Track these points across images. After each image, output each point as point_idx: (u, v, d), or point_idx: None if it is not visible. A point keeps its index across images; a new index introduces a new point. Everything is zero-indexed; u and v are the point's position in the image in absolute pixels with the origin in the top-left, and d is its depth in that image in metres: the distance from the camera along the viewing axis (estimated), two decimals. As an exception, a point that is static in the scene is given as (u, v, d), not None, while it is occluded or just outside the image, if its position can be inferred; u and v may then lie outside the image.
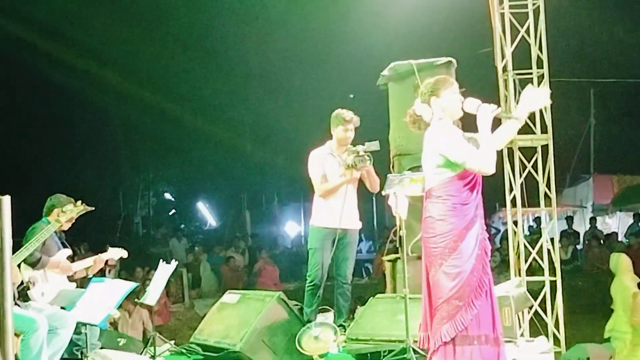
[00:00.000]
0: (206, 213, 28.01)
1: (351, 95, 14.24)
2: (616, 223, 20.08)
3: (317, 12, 14.84)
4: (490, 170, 4.59)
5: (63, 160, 19.37)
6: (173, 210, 27.64)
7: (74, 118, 19.51)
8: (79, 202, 6.02)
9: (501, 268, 13.69)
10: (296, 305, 6.80)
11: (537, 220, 16.13)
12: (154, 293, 6.67)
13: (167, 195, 28.24)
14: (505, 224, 14.26)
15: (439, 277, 4.59)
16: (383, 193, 6.33)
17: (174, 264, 6.74)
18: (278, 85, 18.54)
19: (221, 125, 20.71)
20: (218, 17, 16.00)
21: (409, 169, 7.34)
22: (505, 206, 8.58)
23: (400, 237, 6.13)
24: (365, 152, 6.72)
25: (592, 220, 18.86)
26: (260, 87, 18.33)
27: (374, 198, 17.26)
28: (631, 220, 19.84)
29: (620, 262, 8.33)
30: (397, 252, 7.07)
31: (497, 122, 4.77)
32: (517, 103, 8.06)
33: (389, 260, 7.59)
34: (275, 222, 25.75)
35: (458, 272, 4.53)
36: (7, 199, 2.54)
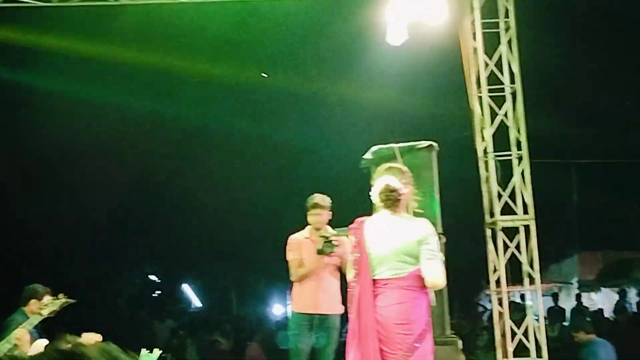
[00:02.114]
0: (191, 294, 27.79)
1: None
2: (602, 299, 20.10)
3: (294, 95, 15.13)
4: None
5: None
6: (158, 292, 27.40)
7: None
8: (61, 295, 5.99)
9: (489, 347, 13.60)
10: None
11: (523, 297, 16.12)
12: (137, 382, 6.56)
13: (152, 277, 28.04)
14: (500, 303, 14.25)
15: None
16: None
17: (156, 352, 6.65)
18: (263, 166, 18.66)
19: (206, 205, 20.77)
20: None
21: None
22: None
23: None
24: (333, 238, 6.78)
25: (578, 296, 18.89)
26: (246, 168, 18.44)
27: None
28: (616, 297, 19.90)
29: None
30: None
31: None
32: (498, 184, 8.25)
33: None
34: (262, 303, 25.60)
35: None
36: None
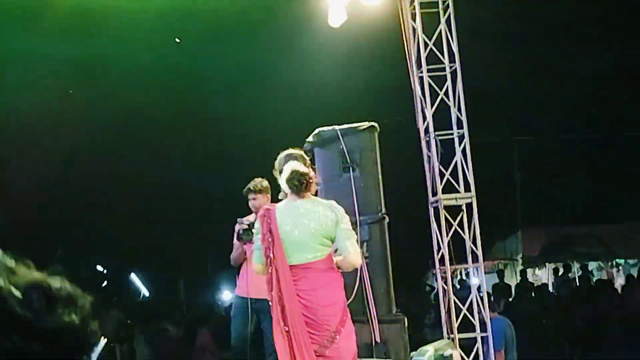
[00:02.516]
0: (139, 283, 27.54)
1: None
2: (546, 274, 20.49)
3: (238, 81, 15.05)
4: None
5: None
6: (105, 282, 27.10)
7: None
8: None
9: (436, 325, 13.79)
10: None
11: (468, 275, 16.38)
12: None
13: (99, 268, 27.70)
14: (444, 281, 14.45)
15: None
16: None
17: (102, 341, 6.61)
18: (208, 153, 18.56)
19: (149, 193, 20.60)
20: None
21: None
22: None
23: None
24: (249, 224, 6.81)
25: (523, 272, 19.22)
26: (192, 154, 18.31)
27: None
28: (561, 271, 20.33)
29: None
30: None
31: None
32: (440, 163, 8.34)
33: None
34: (212, 290, 25.48)
35: None
36: None
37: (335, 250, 5.25)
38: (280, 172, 5.20)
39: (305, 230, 5.05)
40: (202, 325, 15.68)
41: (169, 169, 18.76)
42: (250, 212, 7.30)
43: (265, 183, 7.26)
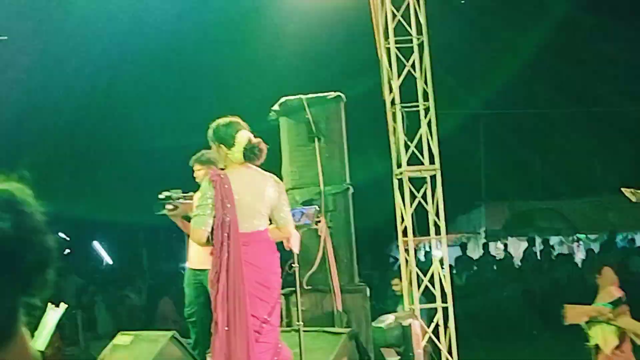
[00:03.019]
0: (102, 251, 27.41)
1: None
2: (508, 248, 20.72)
3: (203, 51, 14.91)
4: None
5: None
6: (67, 250, 26.94)
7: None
8: None
9: (399, 296, 13.90)
10: (191, 344, 6.76)
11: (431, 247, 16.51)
12: (43, 338, 6.47)
13: (61, 234, 27.52)
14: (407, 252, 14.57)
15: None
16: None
17: (62, 306, 6.57)
18: (166, 121, 18.43)
19: (114, 159, 20.46)
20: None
21: (302, 203, 7.46)
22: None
23: (294, 270, 6.19)
24: (165, 197, 6.76)
25: (485, 246, 19.43)
26: (151, 120, 18.16)
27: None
28: (524, 245, 20.59)
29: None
30: (293, 286, 7.12)
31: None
32: (405, 135, 8.35)
33: (283, 294, 7.62)
34: (175, 258, 25.43)
35: None
36: None
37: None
38: (222, 141, 5.08)
39: (257, 198, 5.05)
40: (163, 294, 15.66)
41: (136, 136, 18.59)
42: (195, 183, 7.26)
43: (212, 154, 7.15)
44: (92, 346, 13.41)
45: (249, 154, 5.03)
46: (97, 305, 15.36)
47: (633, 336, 8.27)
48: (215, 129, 5.13)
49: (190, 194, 6.77)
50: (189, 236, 7.13)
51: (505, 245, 20.50)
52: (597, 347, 8.15)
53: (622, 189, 5.27)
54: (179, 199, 6.73)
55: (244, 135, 5.03)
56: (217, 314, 4.98)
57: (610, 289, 8.50)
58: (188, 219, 6.95)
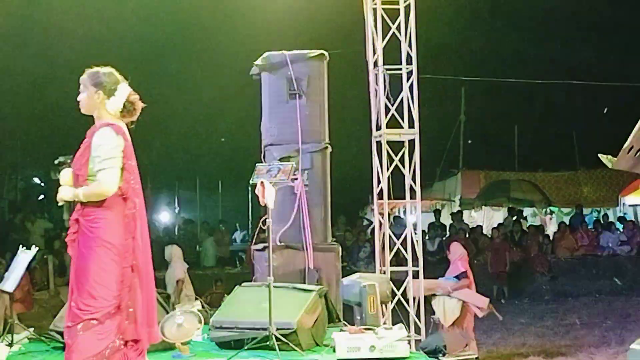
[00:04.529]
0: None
1: None
2: (481, 217, 20.88)
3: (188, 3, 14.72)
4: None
5: None
6: (42, 196, 26.76)
7: None
8: None
9: (370, 258, 14.00)
10: (162, 293, 6.78)
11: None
12: (12, 279, 6.46)
13: (36, 180, 27.31)
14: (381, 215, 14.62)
15: None
16: (251, 182, 6.40)
17: (34, 249, 6.56)
18: (154, 74, 18.26)
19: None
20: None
21: (280, 159, 7.46)
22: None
23: (268, 226, 6.20)
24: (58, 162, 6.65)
25: (459, 213, 19.56)
26: (136, 74, 17.96)
27: (249, 188, 17.34)
28: (495, 214, 20.77)
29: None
30: (266, 242, 7.14)
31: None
32: (387, 97, 8.34)
33: (257, 249, 7.66)
34: (148, 209, 25.40)
35: None
36: None
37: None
38: (102, 87, 4.62)
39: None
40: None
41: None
42: None
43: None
44: (62, 292, 13.44)
45: (130, 107, 4.67)
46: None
47: (475, 309, 8.49)
48: (95, 73, 4.66)
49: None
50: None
51: (479, 214, 20.70)
52: (439, 320, 8.40)
53: (600, 155, 5.31)
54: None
55: (126, 88, 4.70)
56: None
57: (457, 263, 8.72)
58: None
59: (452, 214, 19.78)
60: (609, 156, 5.33)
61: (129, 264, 4.42)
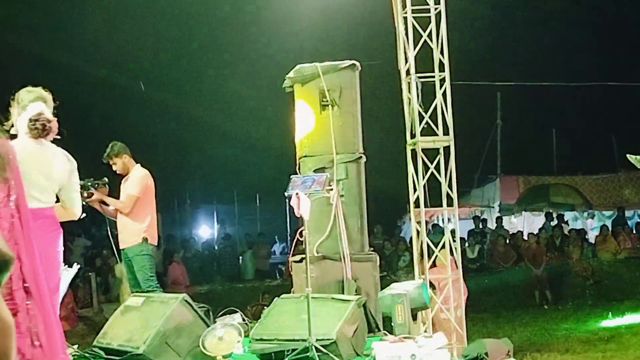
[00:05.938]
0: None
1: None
2: (521, 222, 20.69)
3: (226, 17, 14.86)
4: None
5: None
6: (84, 215, 27.15)
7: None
8: None
9: (410, 267, 13.95)
10: (202, 307, 6.82)
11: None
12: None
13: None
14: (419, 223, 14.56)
15: None
16: (286, 194, 6.43)
17: (75, 267, 6.66)
18: (190, 87, 18.46)
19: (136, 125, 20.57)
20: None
21: (314, 171, 7.49)
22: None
23: (304, 237, 6.22)
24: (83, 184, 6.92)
25: (499, 219, 19.39)
26: (170, 90, 18.17)
27: (286, 200, 17.45)
28: (535, 219, 20.53)
29: None
30: (303, 253, 7.16)
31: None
32: (420, 105, 8.33)
33: (295, 261, 7.68)
34: (188, 225, 25.59)
35: None
36: None
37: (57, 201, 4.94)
38: (17, 101, 4.78)
39: (47, 174, 4.77)
40: (170, 260, 15.75)
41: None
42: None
43: (117, 146, 7.91)
44: (106, 309, 13.60)
45: (30, 125, 4.70)
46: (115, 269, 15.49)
47: None
48: (20, 89, 4.83)
49: (105, 179, 7.28)
50: (109, 218, 7.90)
51: (519, 220, 20.50)
52: None
53: (628, 155, 5.25)
54: (92, 186, 7.19)
55: (36, 107, 4.73)
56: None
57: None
58: (105, 204, 7.73)
59: (497, 218, 19.56)
60: (638, 157, 5.26)
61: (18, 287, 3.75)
